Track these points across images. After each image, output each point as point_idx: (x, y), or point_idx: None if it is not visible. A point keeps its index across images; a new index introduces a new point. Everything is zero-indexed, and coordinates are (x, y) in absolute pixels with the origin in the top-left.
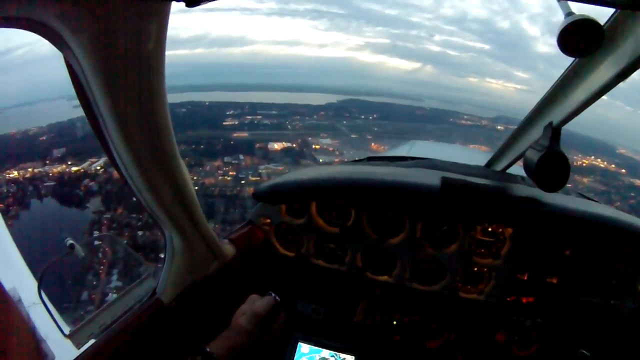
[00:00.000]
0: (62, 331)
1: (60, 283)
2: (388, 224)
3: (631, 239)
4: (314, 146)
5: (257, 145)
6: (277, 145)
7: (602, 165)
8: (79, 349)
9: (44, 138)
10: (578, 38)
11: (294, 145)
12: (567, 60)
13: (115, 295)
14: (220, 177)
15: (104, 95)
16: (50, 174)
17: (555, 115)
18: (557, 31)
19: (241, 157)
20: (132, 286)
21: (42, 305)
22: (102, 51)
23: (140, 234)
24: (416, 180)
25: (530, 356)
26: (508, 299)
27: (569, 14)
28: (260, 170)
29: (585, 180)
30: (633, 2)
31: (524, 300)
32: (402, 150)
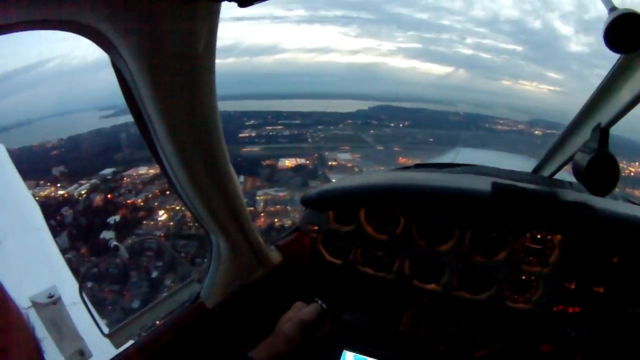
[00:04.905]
0: (101, 331)
1: (102, 284)
2: (437, 231)
3: None
4: (330, 162)
5: (266, 162)
6: (288, 162)
7: None
8: (117, 349)
9: (56, 152)
10: (623, 33)
11: (308, 162)
12: (602, 60)
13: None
14: None
15: (153, 98)
16: (37, 198)
17: (603, 116)
18: (602, 28)
19: (241, 179)
20: (176, 290)
21: (82, 305)
22: (150, 53)
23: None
24: (466, 186)
25: None
26: (555, 308)
27: (612, 9)
28: (257, 197)
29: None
30: None
31: (570, 310)
32: (447, 158)
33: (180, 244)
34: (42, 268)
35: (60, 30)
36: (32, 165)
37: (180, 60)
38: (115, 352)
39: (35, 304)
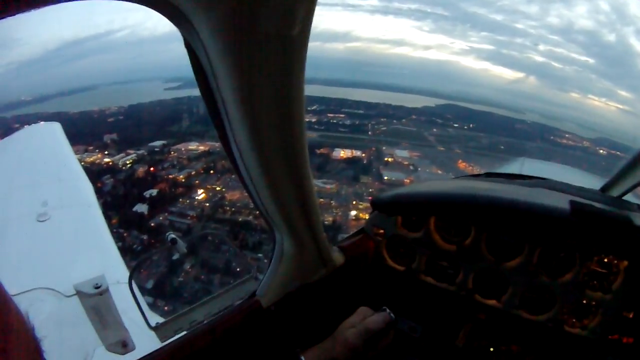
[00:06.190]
0: (147, 323)
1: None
2: (506, 246)
3: None
4: (386, 159)
5: (320, 150)
6: (342, 153)
7: None
8: (163, 342)
9: (112, 120)
10: None
11: (364, 155)
12: None
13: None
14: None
15: (232, 81)
16: (82, 163)
17: None
18: None
19: None
20: (232, 286)
21: (131, 295)
22: (235, 34)
23: None
24: (543, 202)
25: None
26: (610, 337)
27: None
28: None
29: None
30: None
31: (625, 341)
32: (514, 168)
33: (212, 226)
34: (91, 246)
35: (132, 1)
36: (87, 130)
37: (271, 42)
38: (159, 345)
39: (79, 293)
